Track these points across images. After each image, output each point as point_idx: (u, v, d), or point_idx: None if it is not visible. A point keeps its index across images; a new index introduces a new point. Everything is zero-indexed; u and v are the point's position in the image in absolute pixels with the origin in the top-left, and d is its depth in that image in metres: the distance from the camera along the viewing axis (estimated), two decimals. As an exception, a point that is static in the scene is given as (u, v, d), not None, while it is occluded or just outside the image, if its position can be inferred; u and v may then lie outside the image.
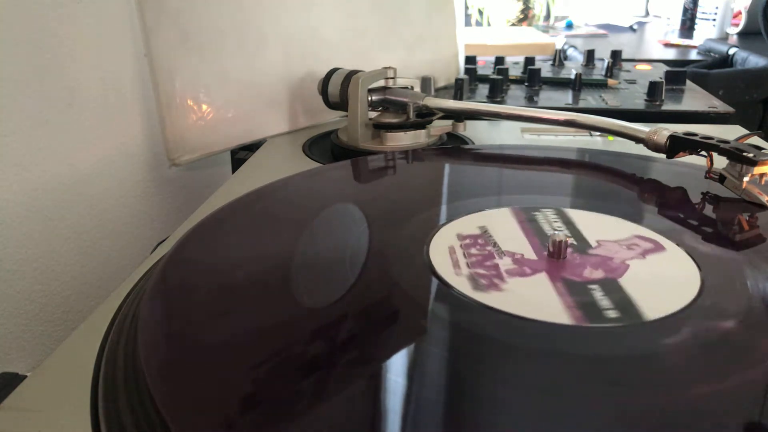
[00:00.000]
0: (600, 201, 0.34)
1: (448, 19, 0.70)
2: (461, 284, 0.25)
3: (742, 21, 1.35)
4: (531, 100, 0.65)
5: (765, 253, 0.28)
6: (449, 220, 0.31)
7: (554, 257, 0.27)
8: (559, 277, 0.25)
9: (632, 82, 0.73)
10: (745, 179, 0.33)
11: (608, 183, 0.37)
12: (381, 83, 0.48)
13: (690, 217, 0.32)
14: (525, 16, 1.89)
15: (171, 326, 0.23)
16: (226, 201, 0.34)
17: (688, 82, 0.71)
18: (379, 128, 0.47)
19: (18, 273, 0.39)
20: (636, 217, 0.31)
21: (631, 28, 1.63)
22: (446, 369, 0.20)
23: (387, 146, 0.46)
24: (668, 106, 0.61)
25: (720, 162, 0.35)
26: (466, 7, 1.86)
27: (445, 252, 0.28)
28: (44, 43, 0.40)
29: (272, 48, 0.53)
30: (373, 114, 0.48)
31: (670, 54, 1.17)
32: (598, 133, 0.52)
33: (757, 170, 0.33)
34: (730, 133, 0.51)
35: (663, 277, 0.25)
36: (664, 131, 0.38)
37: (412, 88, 0.49)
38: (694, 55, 1.16)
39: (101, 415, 0.20)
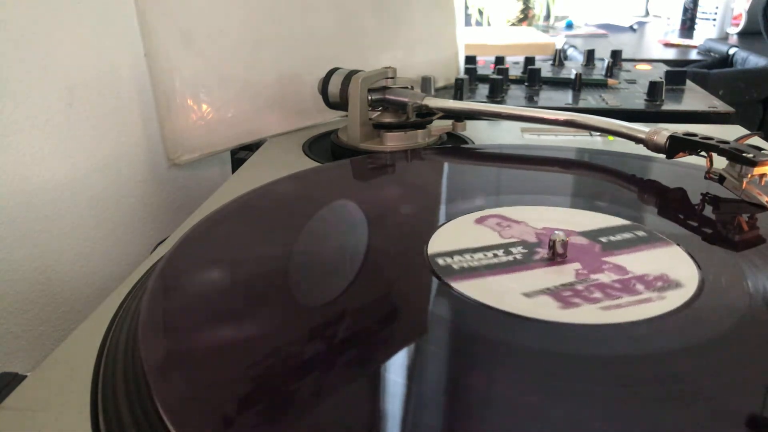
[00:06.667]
0: (599, 201, 0.34)
1: (448, 19, 0.70)
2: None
3: (742, 21, 1.35)
4: (531, 100, 0.65)
5: (764, 253, 0.28)
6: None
7: (554, 257, 0.27)
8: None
9: (632, 82, 0.73)
10: (745, 180, 0.33)
11: (608, 183, 0.37)
12: (381, 83, 0.48)
13: (690, 218, 0.32)
14: (525, 16, 1.89)
15: (171, 326, 0.23)
16: (226, 201, 0.34)
17: (688, 82, 0.71)
18: (379, 128, 0.47)
19: (18, 273, 0.39)
20: (635, 218, 0.31)
21: (631, 28, 1.63)
22: (446, 369, 0.20)
23: (387, 146, 0.46)
24: (668, 106, 0.61)
25: (720, 162, 0.35)
26: (466, 7, 1.86)
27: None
28: (44, 43, 0.40)
29: (272, 48, 0.53)
30: (373, 114, 0.48)
31: (670, 54, 1.17)
32: (598, 133, 0.52)
33: (757, 171, 0.33)
34: (730, 133, 0.51)
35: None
36: (663, 131, 0.38)
37: (412, 88, 0.49)
38: (694, 55, 1.16)
39: (101, 415, 0.20)
